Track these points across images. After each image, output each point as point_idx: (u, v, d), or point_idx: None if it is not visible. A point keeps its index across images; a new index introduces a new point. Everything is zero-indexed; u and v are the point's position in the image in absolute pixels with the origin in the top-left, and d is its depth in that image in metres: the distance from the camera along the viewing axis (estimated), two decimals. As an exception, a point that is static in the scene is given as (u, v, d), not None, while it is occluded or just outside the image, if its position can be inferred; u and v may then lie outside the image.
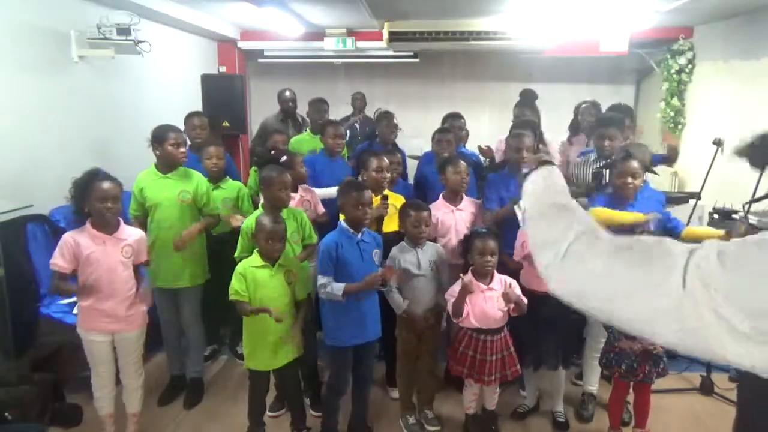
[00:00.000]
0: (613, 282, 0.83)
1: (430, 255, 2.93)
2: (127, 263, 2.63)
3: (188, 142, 3.38)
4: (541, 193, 1.11)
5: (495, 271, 2.81)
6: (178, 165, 3.14)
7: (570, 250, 0.90)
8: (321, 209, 3.33)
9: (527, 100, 4.61)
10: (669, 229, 2.92)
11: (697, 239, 2.64)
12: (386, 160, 3.22)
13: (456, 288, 2.77)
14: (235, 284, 2.60)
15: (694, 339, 0.75)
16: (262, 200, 2.96)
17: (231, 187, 3.59)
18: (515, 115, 4.44)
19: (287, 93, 5.06)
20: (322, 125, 3.96)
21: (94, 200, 2.49)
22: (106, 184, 2.50)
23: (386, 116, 4.36)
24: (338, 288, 2.59)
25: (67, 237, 2.54)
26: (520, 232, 3.02)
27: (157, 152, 3.10)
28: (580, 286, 0.88)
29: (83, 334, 2.64)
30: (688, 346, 0.77)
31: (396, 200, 3.21)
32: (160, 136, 3.08)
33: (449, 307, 2.78)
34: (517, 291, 2.79)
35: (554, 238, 0.94)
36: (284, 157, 3.10)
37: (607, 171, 3.37)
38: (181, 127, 3.87)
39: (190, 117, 3.96)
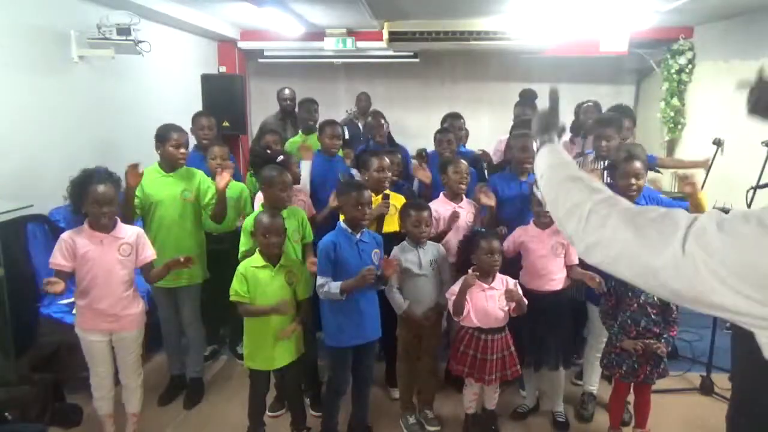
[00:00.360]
0: (625, 243, 0.93)
1: (432, 254, 2.93)
2: (125, 262, 2.62)
3: (191, 143, 3.35)
4: (551, 170, 1.19)
5: (498, 270, 2.82)
6: (177, 166, 3.14)
7: (590, 217, 1.00)
8: (312, 210, 3.34)
9: (527, 100, 4.62)
10: None
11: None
12: (387, 159, 3.21)
13: (456, 287, 2.77)
14: (236, 285, 2.60)
15: (694, 293, 0.85)
16: (261, 200, 2.97)
17: (234, 187, 3.59)
18: (516, 115, 4.45)
19: (286, 91, 5.07)
20: (320, 125, 3.95)
21: (90, 204, 2.49)
22: (101, 188, 2.49)
23: (372, 114, 4.39)
24: (335, 286, 2.59)
25: (65, 236, 2.55)
26: (517, 230, 3.04)
27: (159, 151, 3.11)
28: (601, 248, 0.97)
29: (81, 334, 2.64)
30: (688, 300, 0.87)
31: (396, 200, 3.21)
32: (162, 136, 3.09)
33: (450, 306, 2.78)
34: (519, 291, 2.80)
35: (574, 207, 1.04)
36: (281, 157, 3.10)
37: (605, 171, 3.38)
38: (186, 126, 3.90)
39: (198, 117, 3.97)
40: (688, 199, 2.80)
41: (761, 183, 3.34)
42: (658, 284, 0.89)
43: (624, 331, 2.69)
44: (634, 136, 4.31)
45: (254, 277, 2.60)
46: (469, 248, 2.90)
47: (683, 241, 0.84)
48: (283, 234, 2.64)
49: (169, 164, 3.12)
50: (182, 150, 3.10)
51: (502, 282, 2.81)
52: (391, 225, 3.12)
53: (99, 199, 2.48)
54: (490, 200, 3.14)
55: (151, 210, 3.10)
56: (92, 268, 2.55)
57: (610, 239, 0.95)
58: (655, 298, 2.65)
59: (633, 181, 2.86)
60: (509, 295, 2.70)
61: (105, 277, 2.56)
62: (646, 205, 2.86)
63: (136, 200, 3.08)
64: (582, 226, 1.00)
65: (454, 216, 3.10)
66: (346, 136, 4.73)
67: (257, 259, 2.65)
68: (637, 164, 2.87)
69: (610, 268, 0.96)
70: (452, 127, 4.10)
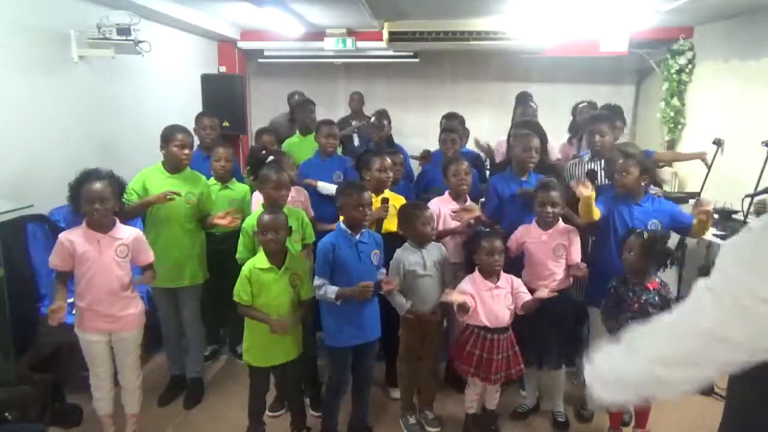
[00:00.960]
0: (689, 344, 0.93)
1: (435, 255, 2.93)
2: (122, 263, 2.62)
3: (195, 144, 3.33)
4: (604, 378, 1.17)
5: (501, 270, 2.82)
6: (181, 167, 3.13)
7: (656, 373, 0.99)
8: (310, 213, 3.33)
9: (524, 101, 4.63)
10: (680, 224, 2.94)
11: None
12: (389, 159, 3.21)
13: (465, 285, 2.77)
14: (239, 287, 2.61)
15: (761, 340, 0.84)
16: (260, 200, 2.97)
17: (238, 188, 3.60)
18: (520, 113, 4.44)
19: (296, 96, 5.26)
20: (317, 125, 3.96)
21: (84, 201, 2.49)
22: (94, 185, 2.50)
23: (376, 114, 4.41)
24: (332, 291, 2.59)
25: (62, 236, 2.56)
26: (519, 229, 3.03)
27: (163, 151, 3.11)
28: (685, 373, 0.96)
29: (80, 334, 2.65)
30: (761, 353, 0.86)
31: (396, 201, 3.21)
32: (166, 136, 3.09)
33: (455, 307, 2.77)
34: (523, 289, 2.80)
35: (649, 381, 1.02)
36: (271, 157, 3.09)
37: (602, 171, 3.38)
38: (189, 126, 3.90)
39: (200, 117, 4.00)
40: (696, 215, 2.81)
41: (759, 189, 3.34)
42: (732, 347, 0.87)
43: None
44: (633, 135, 4.32)
45: (258, 279, 2.61)
46: (472, 248, 2.90)
47: (708, 293, 0.88)
48: (282, 231, 2.62)
49: (172, 165, 3.12)
50: (186, 151, 3.10)
51: (508, 281, 2.81)
52: (391, 225, 3.13)
53: (92, 195, 2.49)
54: (472, 213, 3.12)
55: (153, 210, 3.10)
56: (89, 268, 2.55)
57: (677, 356, 0.95)
58: (656, 298, 2.65)
59: (617, 177, 2.94)
60: (525, 306, 2.73)
61: (102, 278, 2.56)
62: (653, 210, 2.89)
63: (136, 197, 3.06)
64: (663, 388, 1.00)
65: (467, 223, 3.12)
66: (356, 143, 4.80)
67: (262, 260, 2.64)
68: (628, 161, 2.93)
69: (699, 376, 0.95)
70: (452, 126, 4.11)
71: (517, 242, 3.00)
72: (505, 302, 2.76)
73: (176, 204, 3.08)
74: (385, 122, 4.34)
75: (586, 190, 2.83)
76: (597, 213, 2.91)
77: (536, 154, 3.22)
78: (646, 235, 2.64)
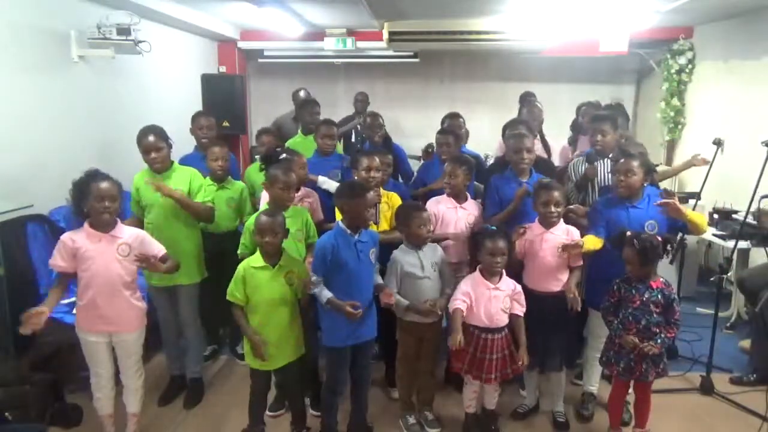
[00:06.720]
0: None
1: (432, 256, 2.92)
2: (123, 262, 2.60)
3: (160, 152, 3.23)
4: None
5: (504, 273, 2.80)
6: (155, 171, 3.09)
7: None
8: (320, 215, 3.31)
9: (529, 101, 4.63)
10: (676, 222, 2.93)
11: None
12: (377, 159, 3.20)
13: (465, 286, 2.78)
14: (232, 286, 2.61)
15: None
16: (266, 200, 2.97)
17: (235, 187, 3.59)
18: (526, 114, 4.41)
19: (301, 93, 5.27)
20: (316, 125, 3.96)
21: (92, 200, 2.48)
22: (103, 184, 2.49)
23: (369, 115, 4.41)
24: (325, 295, 2.59)
25: (65, 237, 2.55)
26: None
27: None
28: None
29: (81, 334, 2.64)
30: None
31: (392, 199, 3.21)
32: (137, 141, 3.08)
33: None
34: (521, 300, 2.79)
35: None
36: (282, 155, 3.09)
37: (608, 173, 3.38)
38: (186, 126, 3.89)
39: (197, 116, 3.97)
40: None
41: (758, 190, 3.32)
42: None
43: (624, 328, 2.68)
44: (633, 135, 4.31)
45: (252, 278, 2.61)
46: (475, 247, 2.88)
47: None
48: (280, 234, 2.61)
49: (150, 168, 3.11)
50: (152, 155, 3.05)
51: (509, 285, 2.78)
52: (384, 224, 3.14)
53: (102, 194, 2.48)
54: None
55: (146, 212, 3.11)
56: (90, 267, 2.54)
57: None
58: (659, 297, 2.64)
59: (622, 178, 2.89)
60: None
61: (104, 277, 2.56)
62: (650, 211, 2.87)
63: (136, 207, 3.11)
64: None
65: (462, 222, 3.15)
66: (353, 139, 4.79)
67: (257, 259, 2.64)
68: (632, 162, 2.89)
69: None
70: (451, 127, 4.10)
71: (524, 242, 2.96)
72: (502, 305, 2.74)
73: (164, 205, 3.07)
74: (380, 120, 4.34)
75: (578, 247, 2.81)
76: (599, 243, 2.88)
77: (528, 153, 3.21)
78: (637, 244, 2.61)
